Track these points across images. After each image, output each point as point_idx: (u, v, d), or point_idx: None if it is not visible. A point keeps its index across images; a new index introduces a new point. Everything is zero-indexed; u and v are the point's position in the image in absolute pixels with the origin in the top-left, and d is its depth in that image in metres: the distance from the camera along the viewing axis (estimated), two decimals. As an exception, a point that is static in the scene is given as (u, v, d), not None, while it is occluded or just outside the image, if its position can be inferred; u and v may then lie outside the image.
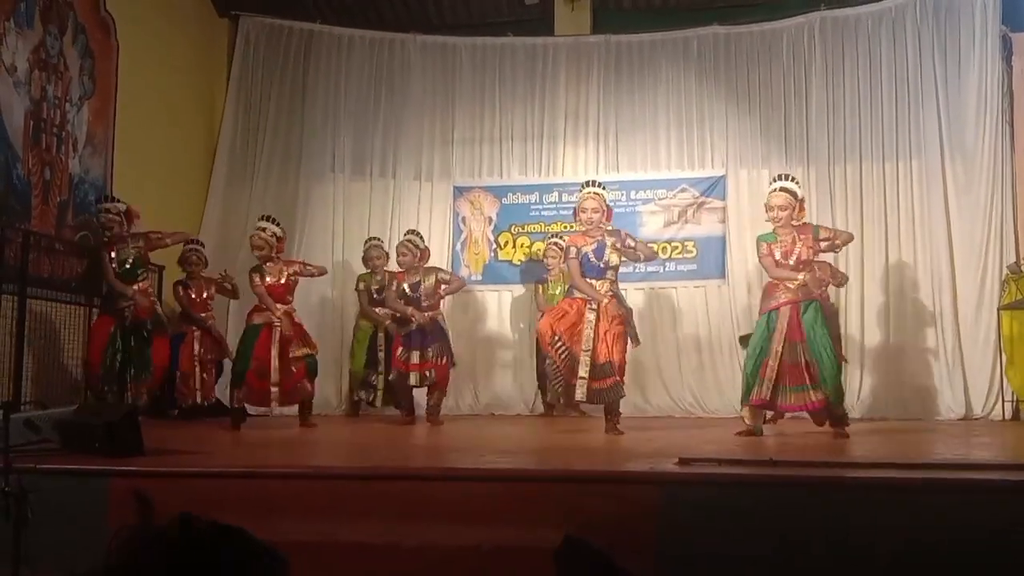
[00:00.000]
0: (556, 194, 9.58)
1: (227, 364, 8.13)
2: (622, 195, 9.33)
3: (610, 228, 6.64)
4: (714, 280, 9.21)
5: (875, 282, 8.73)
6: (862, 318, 8.70)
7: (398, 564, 3.18)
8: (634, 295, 9.04)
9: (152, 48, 8.87)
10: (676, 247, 9.27)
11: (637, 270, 8.86)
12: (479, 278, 9.59)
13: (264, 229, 7.23)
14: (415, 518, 3.49)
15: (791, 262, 6.04)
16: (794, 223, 6.10)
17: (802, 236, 6.10)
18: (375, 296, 8.59)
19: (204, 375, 8.21)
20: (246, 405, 7.18)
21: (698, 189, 9.34)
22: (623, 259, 6.60)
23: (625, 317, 6.46)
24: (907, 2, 9.01)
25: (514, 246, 9.64)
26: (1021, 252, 8.34)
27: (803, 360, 5.85)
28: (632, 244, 6.65)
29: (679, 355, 9.13)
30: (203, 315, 8.28)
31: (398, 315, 7.59)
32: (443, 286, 7.60)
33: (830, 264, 7.00)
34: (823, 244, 6.22)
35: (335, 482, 3.89)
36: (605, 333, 6.28)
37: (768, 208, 6.18)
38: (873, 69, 9.05)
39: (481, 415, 8.93)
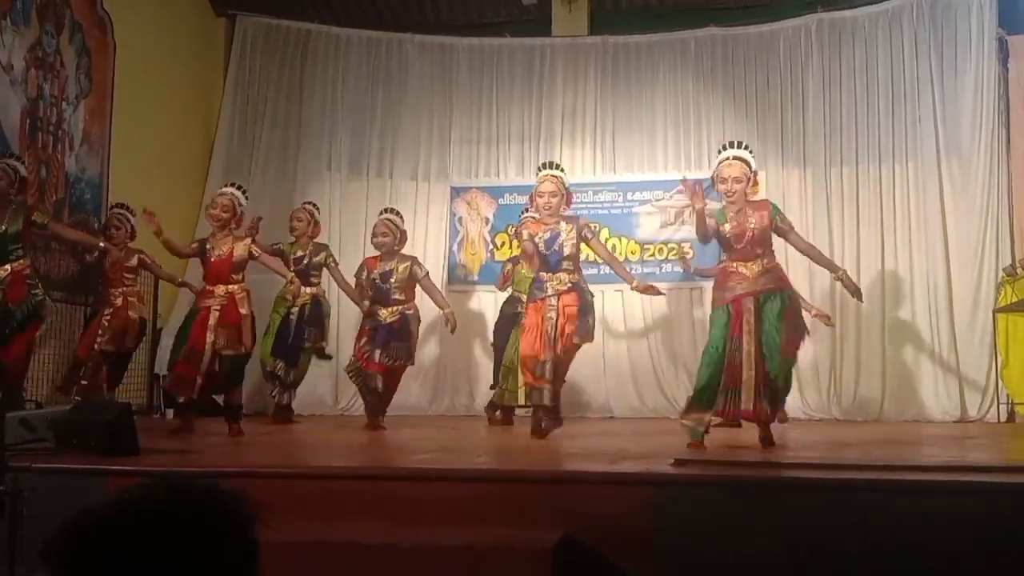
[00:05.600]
0: (553, 195, 9.55)
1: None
2: (619, 196, 9.36)
3: (568, 215, 6.30)
4: (710, 282, 9.18)
5: (871, 284, 8.74)
6: (858, 319, 8.70)
7: (392, 564, 3.17)
8: (629, 296, 9.05)
9: (149, 46, 8.86)
10: (672, 248, 9.27)
11: (634, 271, 8.84)
12: (476, 278, 9.59)
13: (224, 193, 6.66)
14: (410, 518, 3.49)
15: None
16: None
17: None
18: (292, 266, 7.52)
19: None
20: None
21: (695, 190, 9.32)
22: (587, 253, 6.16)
23: (577, 313, 5.94)
24: (904, 4, 9.02)
25: (511, 247, 9.61)
26: (1017, 254, 8.35)
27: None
28: (589, 237, 6.19)
29: (675, 356, 9.11)
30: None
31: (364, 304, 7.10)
32: (419, 281, 7.12)
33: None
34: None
35: (329, 482, 3.89)
36: (557, 331, 5.91)
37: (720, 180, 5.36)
38: (870, 71, 9.06)
39: (477, 415, 8.92)
